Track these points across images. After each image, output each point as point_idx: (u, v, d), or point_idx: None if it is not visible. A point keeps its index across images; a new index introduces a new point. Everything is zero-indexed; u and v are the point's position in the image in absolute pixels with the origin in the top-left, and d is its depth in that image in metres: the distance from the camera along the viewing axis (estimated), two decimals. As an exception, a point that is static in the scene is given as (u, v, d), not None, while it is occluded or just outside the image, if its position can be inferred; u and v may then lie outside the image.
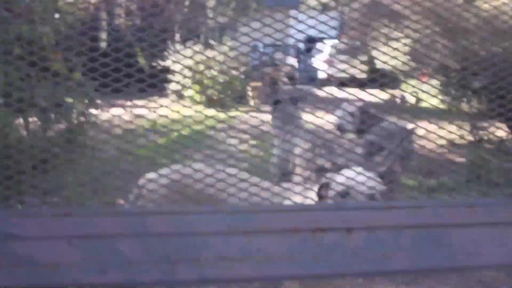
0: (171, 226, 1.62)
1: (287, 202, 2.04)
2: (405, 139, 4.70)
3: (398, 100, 11.70)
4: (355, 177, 2.16)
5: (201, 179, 1.84)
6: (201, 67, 10.91)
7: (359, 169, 2.34)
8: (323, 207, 1.81)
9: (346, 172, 2.22)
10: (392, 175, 4.01)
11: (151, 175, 2.14)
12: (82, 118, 4.26)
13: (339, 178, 2.19)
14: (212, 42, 11.29)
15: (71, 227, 1.55)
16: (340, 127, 5.19)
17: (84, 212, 1.58)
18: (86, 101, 3.74)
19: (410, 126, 4.59)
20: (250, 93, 9.28)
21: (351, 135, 5.24)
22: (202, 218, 1.64)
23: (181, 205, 1.85)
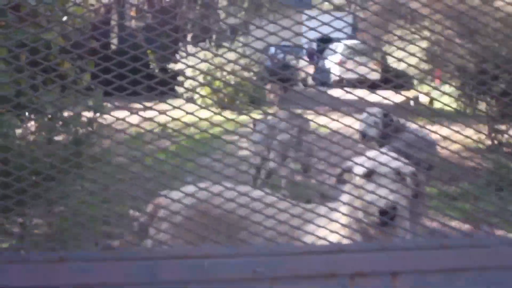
0: (185, 272, 1.36)
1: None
2: (429, 149, 4.44)
3: (412, 102, 11.47)
4: (379, 157, 1.94)
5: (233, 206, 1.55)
6: (213, 69, 10.69)
7: (384, 149, 2.11)
8: (364, 247, 1.54)
9: (369, 153, 2.04)
10: (418, 186, 3.76)
11: (171, 194, 1.79)
12: (89, 127, 4.04)
13: (361, 160, 1.98)
14: (224, 43, 11.09)
15: (65, 275, 1.29)
16: (364, 134, 4.96)
17: (81, 257, 1.32)
18: (93, 108, 3.52)
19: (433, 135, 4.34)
20: (268, 95, 9.12)
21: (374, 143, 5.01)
22: (222, 262, 1.38)
23: (197, 246, 1.57)
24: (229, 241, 1.80)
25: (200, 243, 1.65)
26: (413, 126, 4.95)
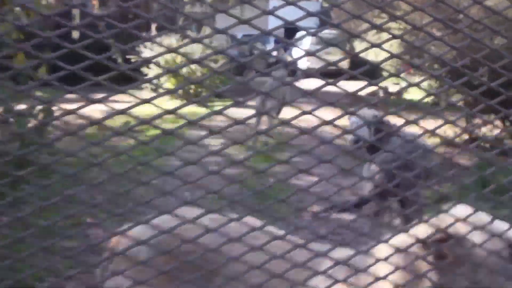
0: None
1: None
2: (426, 157, 4.23)
3: (380, 93, 11.53)
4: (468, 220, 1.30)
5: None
6: (178, 59, 10.55)
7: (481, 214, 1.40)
8: None
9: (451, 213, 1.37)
10: (416, 196, 3.57)
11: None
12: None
13: (443, 222, 1.33)
14: (189, 32, 10.95)
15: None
16: (355, 140, 4.56)
17: None
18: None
19: (430, 143, 4.16)
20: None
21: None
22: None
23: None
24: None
25: None
26: (406, 130, 4.56)
